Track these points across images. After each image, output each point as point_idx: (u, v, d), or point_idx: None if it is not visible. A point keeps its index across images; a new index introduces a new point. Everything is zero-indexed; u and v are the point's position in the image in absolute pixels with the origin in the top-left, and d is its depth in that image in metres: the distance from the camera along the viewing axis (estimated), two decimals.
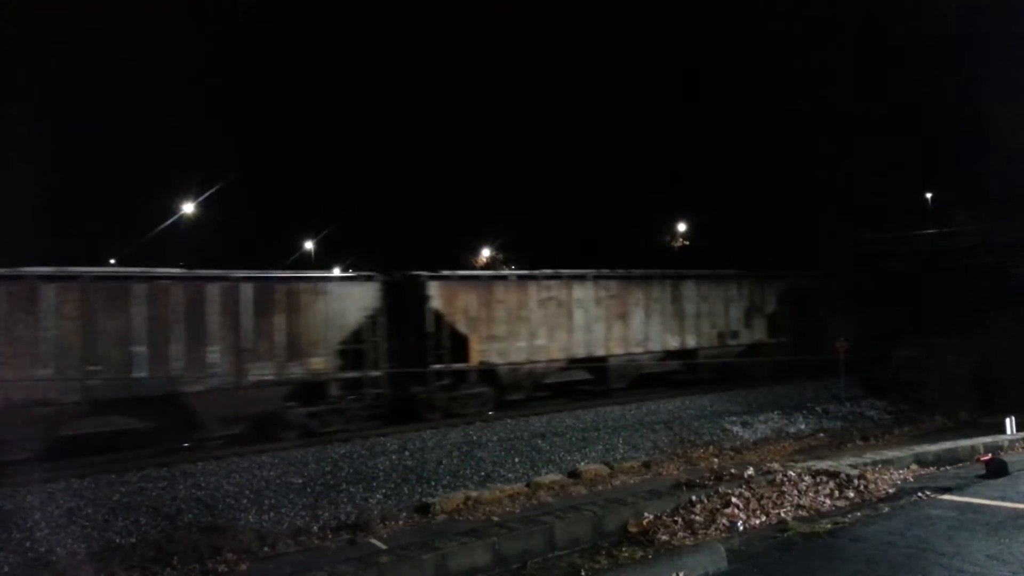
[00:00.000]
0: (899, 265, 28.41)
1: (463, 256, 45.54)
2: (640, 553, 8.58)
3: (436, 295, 17.48)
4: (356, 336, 16.56)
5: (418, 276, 17.63)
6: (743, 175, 38.98)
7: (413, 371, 17.15)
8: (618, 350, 20.31)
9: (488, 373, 18.17)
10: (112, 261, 38.80)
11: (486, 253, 49.09)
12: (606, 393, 20.00)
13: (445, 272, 18.07)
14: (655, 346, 21.12)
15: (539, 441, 15.73)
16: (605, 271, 20.54)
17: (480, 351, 17.93)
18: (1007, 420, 14.65)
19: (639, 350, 20.79)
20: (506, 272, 18.45)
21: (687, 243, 46.89)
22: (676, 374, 21.84)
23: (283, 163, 55.20)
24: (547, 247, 37.66)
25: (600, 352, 19.98)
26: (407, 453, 14.53)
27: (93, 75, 58.17)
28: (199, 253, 35.21)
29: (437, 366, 17.39)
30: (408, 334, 17.71)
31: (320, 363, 15.95)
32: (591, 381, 20.32)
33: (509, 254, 47.75)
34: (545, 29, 59.36)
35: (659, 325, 21.22)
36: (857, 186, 35.84)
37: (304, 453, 14.23)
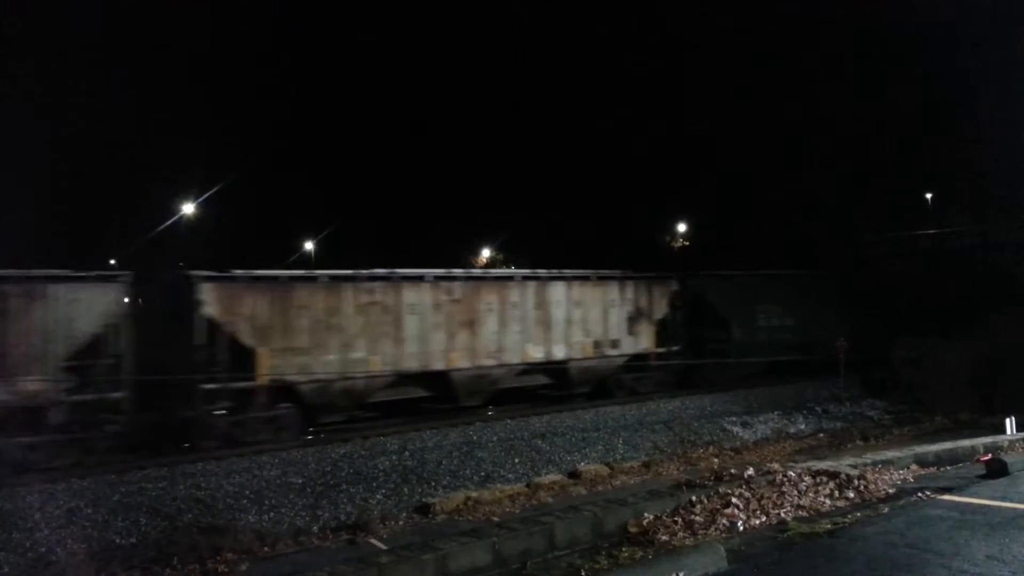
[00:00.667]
0: (896, 264, 28.44)
1: (463, 256, 45.57)
2: (640, 553, 8.59)
3: (211, 299, 14.80)
4: (92, 350, 13.87)
5: (188, 276, 15.07)
6: (743, 175, 39.06)
7: (166, 384, 14.29)
8: (463, 363, 17.75)
9: (287, 392, 15.57)
10: (112, 261, 38.80)
11: (486, 253, 49.12)
12: (455, 411, 17.72)
13: (235, 271, 15.43)
14: (512, 357, 18.59)
15: (539, 441, 15.72)
16: (457, 271, 18.43)
17: (272, 366, 15.25)
18: (1007, 420, 14.67)
19: (491, 362, 18.23)
20: (316, 272, 16.29)
21: (687, 243, 46.94)
22: (543, 389, 19.82)
23: (283, 163, 55.22)
24: (548, 247, 37.68)
25: (439, 365, 17.42)
26: (407, 453, 14.53)
27: (93, 75, 58.23)
28: (199, 253, 35.23)
29: (209, 385, 14.59)
30: (176, 347, 15.03)
31: (36, 384, 13.22)
32: (435, 398, 17.88)
33: (509, 254, 47.78)
34: (545, 30, 59.38)
35: (518, 334, 18.66)
36: (857, 186, 35.89)
37: (304, 453, 14.23)
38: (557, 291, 19.64)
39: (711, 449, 16.04)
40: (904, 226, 31.99)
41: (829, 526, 8.81)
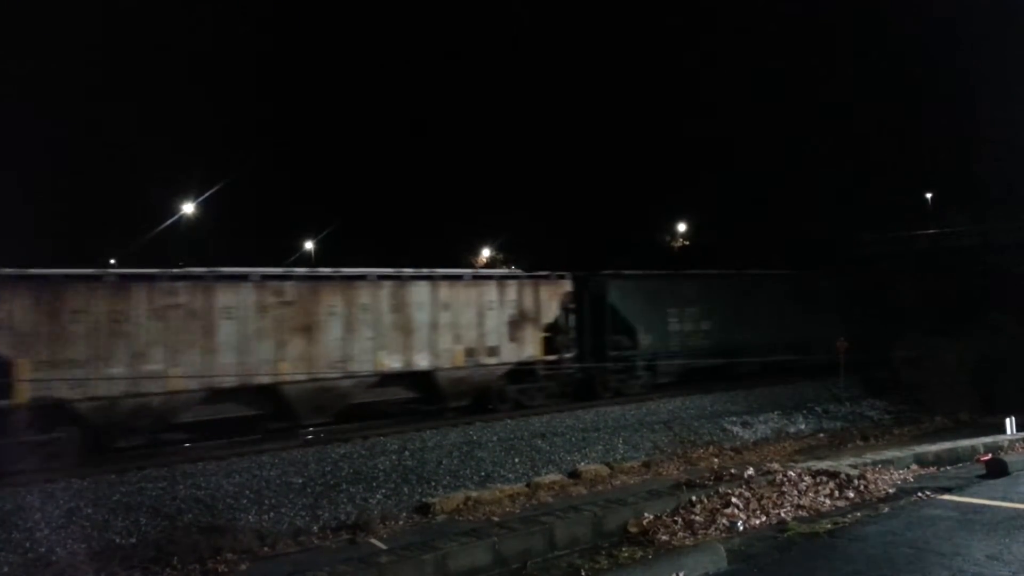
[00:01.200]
0: (895, 263, 28.49)
1: (464, 256, 45.61)
2: (640, 553, 8.60)
3: None
4: None
5: None
6: (743, 175, 39.15)
7: None
8: (297, 374, 15.68)
9: (63, 413, 13.33)
10: (112, 261, 38.82)
11: (486, 253, 49.14)
12: (291, 430, 15.76)
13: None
14: (362, 367, 16.41)
15: (539, 441, 15.72)
16: (298, 270, 16.48)
17: (36, 382, 13.03)
18: (1007, 420, 14.69)
19: (334, 373, 16.10)
20: (100, 271, 14.28)
21: (687, 243, 46.98)
22: (411, 403, 17.77)
23: (283, 163, 55.32)
24: (549, 247, 37.72)
25: (264, 378, 15.19)
26: (407, 453, 14.53)
27: (93, 75, 58.27)
28: (199, 253, 35.30)
29: None
30: None
31: None
32: (271, 416, 15.71)
33: (510, 254, 47.81)
34: (545, 30, 59.41)
35: (369, 340, 16.53)
36: (857, 186, 35.99)
37: (304, 453, 14.23)
38: (420, 292, 17.43)
39: (711, 449, 16.04)
40: (904, 226, 32.03)
41: (829, 526, 8.81)
